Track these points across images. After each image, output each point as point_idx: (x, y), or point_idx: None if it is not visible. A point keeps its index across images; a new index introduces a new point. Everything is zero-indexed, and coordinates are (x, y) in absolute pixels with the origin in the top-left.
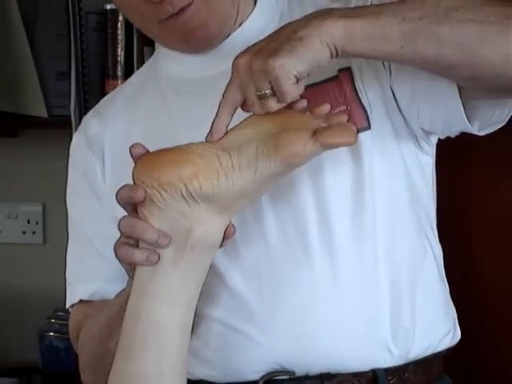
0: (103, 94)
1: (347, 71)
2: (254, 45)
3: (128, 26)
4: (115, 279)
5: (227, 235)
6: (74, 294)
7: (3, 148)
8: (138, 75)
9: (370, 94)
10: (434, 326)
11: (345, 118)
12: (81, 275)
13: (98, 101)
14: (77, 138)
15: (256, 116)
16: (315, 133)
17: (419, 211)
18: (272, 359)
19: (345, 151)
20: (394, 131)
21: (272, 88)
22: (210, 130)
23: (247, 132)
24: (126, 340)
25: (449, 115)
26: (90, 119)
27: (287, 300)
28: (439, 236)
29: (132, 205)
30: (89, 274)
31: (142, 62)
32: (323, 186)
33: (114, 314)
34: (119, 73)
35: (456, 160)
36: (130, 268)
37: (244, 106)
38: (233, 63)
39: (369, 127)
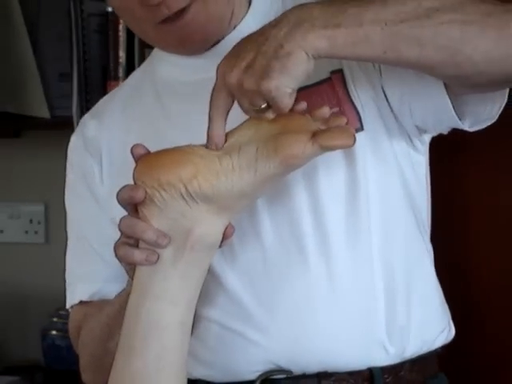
0: (105, 95)
1: (339, 73)
2: (237, 50)
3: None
4: (115, 279)
5: (226, 235)
6: (74, 294)
7: (6, 148)
8: (134, 77)
9: (362, 95)
10: (429, 325)
11: (344, 120)
12: (80, 276)
13: None
14: (74, 140)
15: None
16: (314, 135)
17: (413, 211)
18: (269, 359)
19: (339, 153)
20: (386, 131)
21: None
22: (208, 140)
23: (247, 133)
24: (127, 339)
25: (438, 112)
26: (88, 121)
27: (283, 301)
28: (438, 235)
29: (132, 205)
30: (88, 275)
31: None
32: (318, 187)
33: (114, 313)
34: (120, 74)
35: (454, 161)
36: (130, 268)
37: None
38: (217, 70)
39: (361, 128)
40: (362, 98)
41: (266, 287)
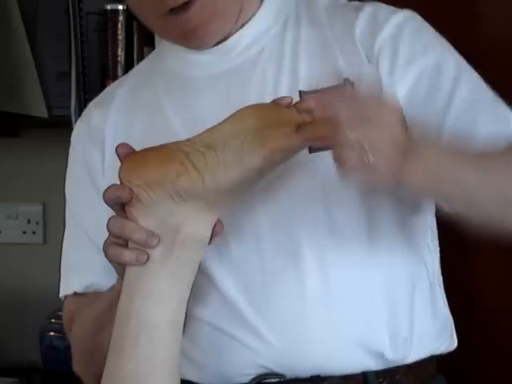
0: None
1: None
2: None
3: (128, 26)
4: (110, 272)
5: (216, 232)
6: (68, 284)
7: (4, 148)
8: (141, 67)
9: None
10: (432, 335)
11: (329, 111)
12: (76, 266)
13: None
14: (79, 127)
15: (241, 111)
16: (299, 127)
17: (419, 219)
18: (261, 362)
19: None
20: None
21: None
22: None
23: (232, 128)
24: (118, 339)
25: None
26: (93, 109)
27: (277, 305)
28: (442, 246)
29: (119, 204)
30: (83, 266)
31: None
32: (328, 200)
33: (104, 309)
34: (119, 73)
35: None
36: (120, 267)
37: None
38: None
39: None
40: None
41: (261, 290)
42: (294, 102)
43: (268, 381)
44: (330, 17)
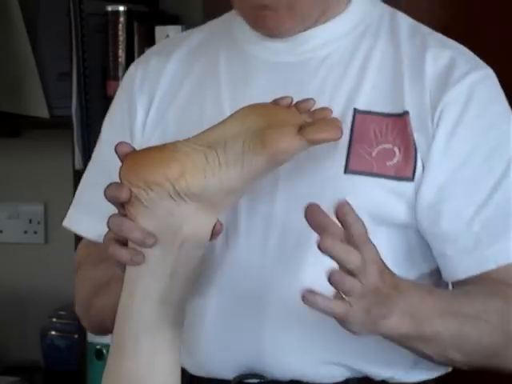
0: (104, 95)
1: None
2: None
3: (129, 27)
4: None
5: (215, 232)
6: (78, 222)
7: (5, 148)
8: (208, 27)
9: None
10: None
11: (329, 112)
12: (90, 207)
13: (99, 102)
14: (134, 69)
15: (242, 111)
16: (301, 128)
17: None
18: (242, 362)
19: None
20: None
21: None
22: None
23: (233, 127)
24: (119, 339)
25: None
26: (152, 56)
27: (268, 307)
28: None
29: (119, 203)
30: (98, 210)
31: None
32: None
33: (103, 281)
34: (120, 74)
35: None
36: (120, 264)
37: None
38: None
39: (412, 179)
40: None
41: (253, 290)
42: (294, 102)
43: (249, 381)
44: (409, 42)
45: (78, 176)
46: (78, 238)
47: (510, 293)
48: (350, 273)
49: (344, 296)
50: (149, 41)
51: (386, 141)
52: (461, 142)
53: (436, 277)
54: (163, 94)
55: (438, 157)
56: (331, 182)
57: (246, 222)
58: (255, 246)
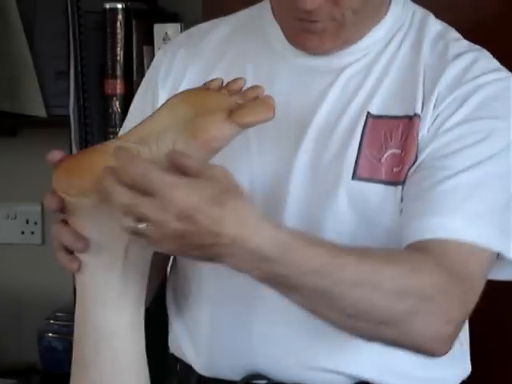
0: (102, 94)
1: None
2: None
3: (127, 25)
4: None
5: None
6: None
7: (2, 148)
8: (237, 19)
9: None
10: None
11: (260, 90)
12: None
13: (97, 100)
14: (165, 57)
15: (171, 100)
16: (231, 113)
17: None
18: (250, 363)
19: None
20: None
21: None
22: None
23: (164, 119)
24: (79, 348)
25: None
26: (180, 47)
27: (261, 311)
28: None
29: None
30: None
31: (141, 62)
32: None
33: None
34: (118, 72)
35: None
36: None
37: None
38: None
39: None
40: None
41: (243, 295)
42: (225, 84)
43: (256, 382)
44: (430, 49)
45: None
46: None
47: (426, 266)
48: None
49: None
50: (147, 39)
51: (395, 145)
52: (449, 129)
53: None
54: (188, 87)
55: (425, 142)
56: (339, 187)
57: None
58: None
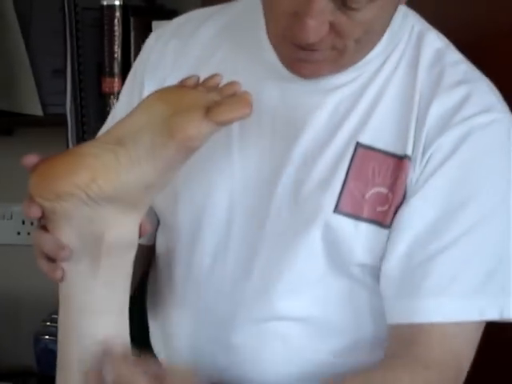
0: (100, 92)
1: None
2: None
3: (125, 22)
4: None
5: (142, 232)
6: None
7: None
8: (231, 12)
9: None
10: None
11: (237, 86)
12: None
13: (94, 99)
14: (156, 45)
15: (148, 100)
16: (208, 110)
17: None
18: (214, 374)
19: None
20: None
21: None
22: None
23: (141, 119)
24: (63, 355)
25: None
26: (172, 37)
27: (241, 323)
28: None
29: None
30: None
31: None
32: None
33: None
34: (116, 70)
35: None
36: None
37: None
38: None
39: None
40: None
41: (225, 308)
42: (201, 81)
43: None
44: (427, 73)
45: None
46: None
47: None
48: None
49: None
50: (145, 36)
51: (383, 184)
52: (430, 188)
53: None
54: (177, 81)
55: (407, 200)
56: (318, 218)
57: (236, 244)
58: (238, 273)
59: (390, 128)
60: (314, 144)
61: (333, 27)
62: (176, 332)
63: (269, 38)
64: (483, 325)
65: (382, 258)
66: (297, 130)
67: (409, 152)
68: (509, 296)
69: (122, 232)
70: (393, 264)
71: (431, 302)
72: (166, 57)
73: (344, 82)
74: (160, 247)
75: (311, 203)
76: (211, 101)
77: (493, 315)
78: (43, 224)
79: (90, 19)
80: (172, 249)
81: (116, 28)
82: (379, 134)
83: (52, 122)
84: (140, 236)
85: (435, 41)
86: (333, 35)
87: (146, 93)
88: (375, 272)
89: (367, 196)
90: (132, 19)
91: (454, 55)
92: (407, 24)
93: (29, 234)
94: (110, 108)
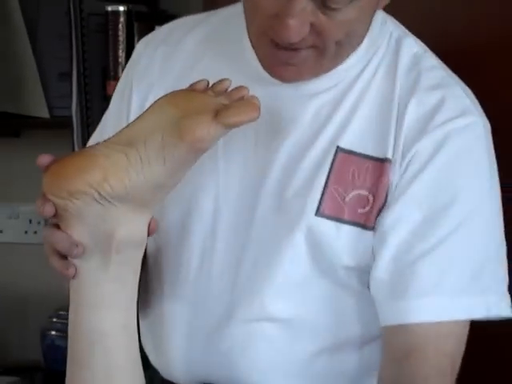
0: (104, 95)
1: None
2: None
3: (129, 27)
4: None
5: (151, 230)
6: None
7: (5, 148)
8: (217, 20)
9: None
10: None
11: (245, 91)
12: None
13: (99, 102)
14: (145, 52)
15: (158, 102)
16: (217, 113)
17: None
18: (207, 375)
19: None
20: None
21: None
22: None
23: (151, 121)
24: (73, 349)
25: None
26: (160, 44)
27: (236, 321)
28: None
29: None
30: None
31: None
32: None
33: None
34: (120, 74)
35: None
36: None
37: None
38: None
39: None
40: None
41: (221, 304)
42: (210, 85)
43: None
44: (404, 78)
45: None
46: None
47: None
48: None
49: None
50: None
51: (363, 186)
52: (413, 192)
53: None
54: (163, 88)
55: (396, 196)
56: (301, 222)
57: (223, 247)
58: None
59: (370, 132)
60: (296, 149)
61: (314, 27)
62: (165, 333)
63: (250, 39)
64: (469, 322)
65: (366, 260)
66: (279, 136)
67: (389, 155)
68: (495, 294)
69: (132, 230)
70: (381, 268)
71: (420, 302)
72: (154, 63)
73: (325, 89)
74: (150, 248)
75: (294, 207)
76: (220, 104)
77: (480, 313)
78: (55, 223)
79: (95, 24)
80: (161, 250)
81: (120, 33)
82: (359, 139)
83: (58, 124)
84: (149, 235)
85: (413, 46)
86: (314, 35)
87: (134, 98)
88: (360, 275)
89: (347, 199)
90: (136, 24)
91: (431, 60)
92: (386, 30)
93: (35, 232)
94: None
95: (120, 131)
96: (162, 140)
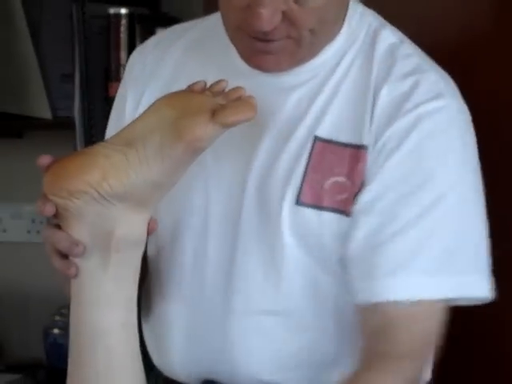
0: (106, 97)
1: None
2: None
3: (131, 29)
4: None
5: (150, 229)
6: None
7: (8, 149)
8: (204, 26)
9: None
10: None
11: (242, 91)
12: None
13: (101, 103)
14: (138, 59)
15: (156, 103)
16: (214, 113)
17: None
18: (203, 369)
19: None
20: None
21: None
22: None
23: (150, 121)
24: (74, 347)
25: None
26: (150, 51)
27: (235, 316)
28: None
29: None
30: None
31: None
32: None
33: None
34: (122, 75)
35: None
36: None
37: None
38: None
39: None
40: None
41: (218, 301)
42: (208, 86)
43: None
44: (379, 67)
45: None
46: None
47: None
48: None
49: None
50: None
51: (341, 173)
52: (386, 174)
53: None
54: (153, 94)
55: (370, 180)
56: (282, 211)
57: (214, 245)
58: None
59: (347, 120)
60: (277, 141)
61: (286, 16)
62: (166, 333)
63: (226, 33)
64: (447, 305)
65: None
66: (261, 129)
67: (365, 142)
68: (473, 274)
69: (131, 229)
70: (354, 247)
71: (391, 281)
72: (146, 70)
73: (304, 81)
74: (150, 250)
75: (275, 198)
76: (217, 104)
77: (454, 293)
78: (55, 223)
79: (98, 27)
80: (158, 252)
81: (122, 35)
82: (336, 127)
83: (61, 125)
84: (148, 234)
85: (389, 36)
86: (287, 24)
87: (128, 104)
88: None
89: (326, 186)
90: (137, 27)
91: (407, 49)
92: (364, 22)
93: (38, 232)
94: None
95: (119, 132)
96: (161, 140)
